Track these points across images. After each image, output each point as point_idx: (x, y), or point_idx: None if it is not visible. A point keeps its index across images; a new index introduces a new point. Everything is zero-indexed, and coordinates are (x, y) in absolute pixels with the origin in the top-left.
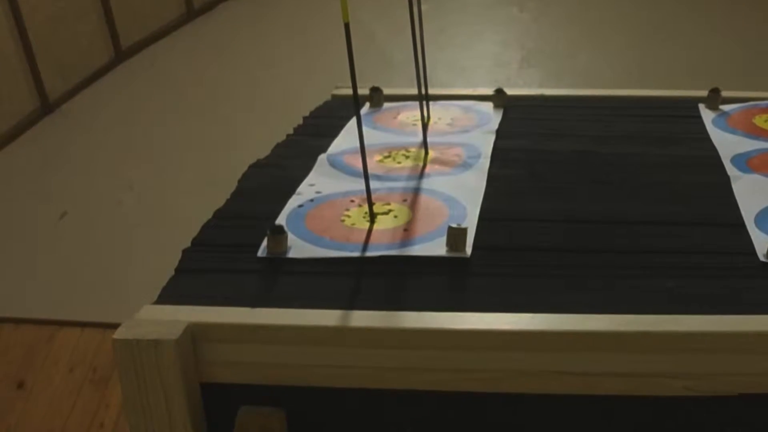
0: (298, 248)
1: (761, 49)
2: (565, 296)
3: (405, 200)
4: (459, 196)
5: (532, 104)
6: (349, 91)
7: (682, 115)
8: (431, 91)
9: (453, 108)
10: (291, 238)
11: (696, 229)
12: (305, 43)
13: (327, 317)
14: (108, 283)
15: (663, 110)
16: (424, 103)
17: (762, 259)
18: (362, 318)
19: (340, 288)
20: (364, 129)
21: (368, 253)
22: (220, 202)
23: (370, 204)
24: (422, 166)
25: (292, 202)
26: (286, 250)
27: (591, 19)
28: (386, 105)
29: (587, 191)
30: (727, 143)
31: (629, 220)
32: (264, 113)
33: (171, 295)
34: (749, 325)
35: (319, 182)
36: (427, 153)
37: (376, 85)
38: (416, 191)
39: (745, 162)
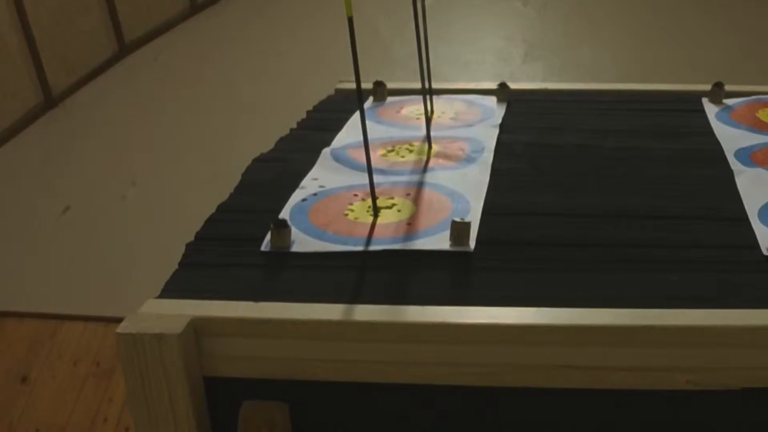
0: (302, 242)
1: (765, 44)
2: (568, 290)
3: (408, 194)
4: (462, 190)
5: (535, 98)
6: (353, 86)
7: (685, 109)
8: (435, 86)
9: (456, 102)
10: (294, 232)
11: (699, 223)
12: (309, 38)
13: (330, 311)
14: (111, 278)
15: (666, 104)
16: (428, 97)
17: (765, 252)
18: (365, 312)
19: (343, 282)
20: (368, 123)
21: (371, 248)
22: (223, 197)
23: (374, 198)
24: (426, 160)
25: (296, 196)
26: (289, 244)
27: (594, 13)
28: (390, 99)
29: (590, 185)
30: (730, 137)
31: (632, 214)
32: (267, 107)
33: (174, 289)
34: (753, 319)
35: (322, 176)
36: (430, 147)
37: (379, 79)
38: (420, 185)
39: (749, 156)
